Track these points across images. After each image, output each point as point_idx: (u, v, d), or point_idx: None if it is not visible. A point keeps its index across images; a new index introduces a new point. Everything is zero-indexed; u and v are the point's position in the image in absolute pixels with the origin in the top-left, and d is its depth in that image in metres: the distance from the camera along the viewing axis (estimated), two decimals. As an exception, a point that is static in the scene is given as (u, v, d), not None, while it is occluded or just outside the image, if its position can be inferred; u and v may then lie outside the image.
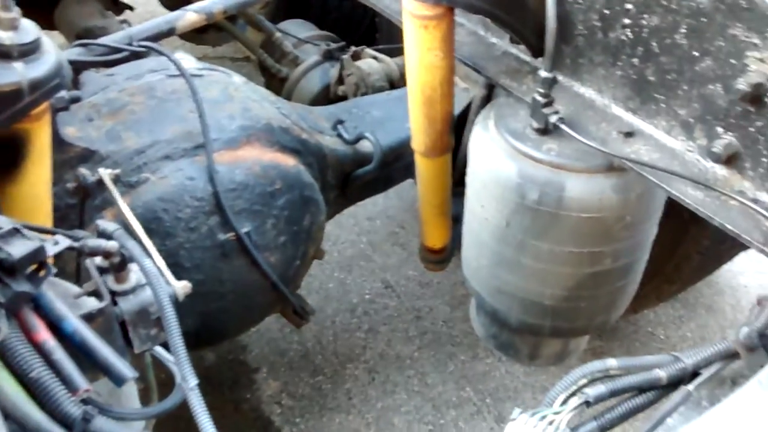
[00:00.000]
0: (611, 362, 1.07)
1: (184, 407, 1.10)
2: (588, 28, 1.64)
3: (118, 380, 0.94)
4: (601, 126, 1.64)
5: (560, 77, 1.74)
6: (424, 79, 1.84)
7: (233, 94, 1.96)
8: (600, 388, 1.03)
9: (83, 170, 1.52)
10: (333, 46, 2.84)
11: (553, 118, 1.64)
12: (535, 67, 1.84)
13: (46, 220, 1.47)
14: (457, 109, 2.16)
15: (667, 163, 1.51)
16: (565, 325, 1.91)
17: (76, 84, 1.92)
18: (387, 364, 2.87)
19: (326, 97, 2.77)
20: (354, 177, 2.25)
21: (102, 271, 1.03)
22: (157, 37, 1.80)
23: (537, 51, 1.79)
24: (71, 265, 1.58)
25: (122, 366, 0.92)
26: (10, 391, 0.84)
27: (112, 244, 0.99)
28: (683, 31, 1.43)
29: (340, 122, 2.26)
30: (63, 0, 2.91)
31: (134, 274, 1.04)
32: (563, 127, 1.62)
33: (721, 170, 1.45)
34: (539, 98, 1.65)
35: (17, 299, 0.88)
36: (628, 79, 1.59)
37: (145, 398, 1.29)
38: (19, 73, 1.22)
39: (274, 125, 1.96)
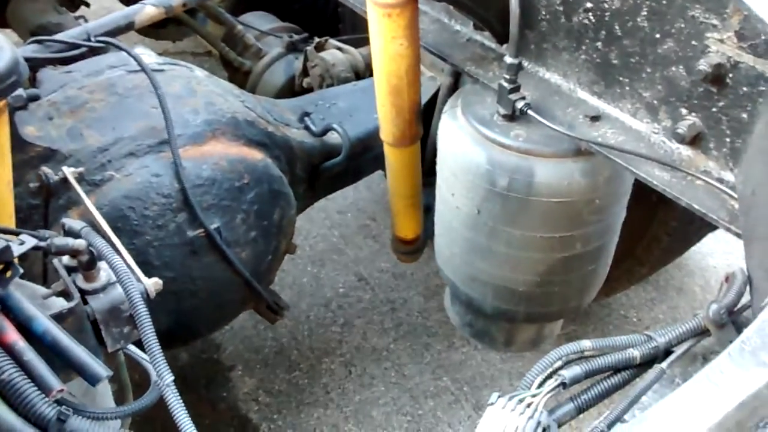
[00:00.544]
0: (585, 344, 1.08)
1: (158, 408, 1.08)
2: (551, 13, 1.64)
3: (93, 379, 0.92)
4: (567, 111, 1.65)
5: (525, 63, 1.75)
6: (390, 68, 1.83)
7: (196, 89, 1.93)
8: (575, 370, 1.04)
9: (46, 169, 1.48)
10: (296, 37, 2.82)
11: (519, 104, 1.64)
12: (501, 53, 1.84)
13: (9, 221, 1.43)
14: (425, 98, 2.15)
15: (634, 145, 1.53)
16: (538, 311, 1.92)
17: (33, 82, 1.87)
18: (363, 357, 2.87)
19: (291, 89, 2.75)
20: (323, 169, 2.23)
21: (70, 270, 1.01)
22: (116, 32, 1.76)
23: (502, 37, 1.80)
24: (37, 267, 1.55)
25: (96, 365, 0.90)
26: (-19, 395, 0.82)
27: (79, 242, 0.97)
28: (644, 13, 1.44)
29: (307, 114, 2.24)
30: (13, -1, 2.83)
31: (104, 272, 1.02)
32: (530, 112, 1.62)
33: (686, 151, 1.47)
34: (505, 84, 1.65)
35: (-20, 303, 0.86)
36: (593, 63, 1.60)
37: (119, 398, 1.27)
38: (-26, 71, 1.19)
39: (239, 119, 1.93)
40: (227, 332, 2.94)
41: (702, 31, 1.35)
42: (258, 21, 2.98)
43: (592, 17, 1.56)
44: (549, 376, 1.02)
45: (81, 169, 1.53)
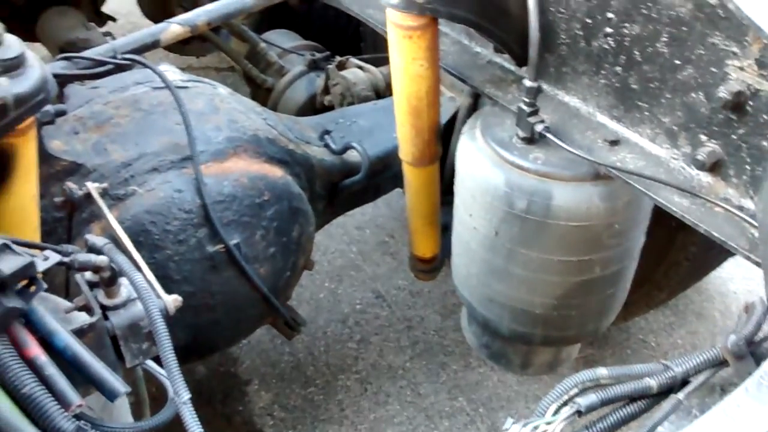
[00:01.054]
0: (602, 371, 1.08)
1: (174, 423, 1.10)
2: (571, 37, 1.65)
3: (111, 395, 0.94)
4: (586, 134, 1.65)
5: (545, 86, 1.76)
6: (410, 89, 1.85)
7: (219, 106, 1.96)
8: (591, 398, 1.03)
9: (70, 184, 1.51)
10: (318, 55, 2.84)
11: (538, 127, 1.65)
12: (520, 76, 1.85)
13: (34, 234, 1.46)
14: (444, 118, 2.17)
15: (653, 171, 1.53)
16: (555, 334, 1.91)
17: (61, 97, 1.92)
18: (379, 375, 2.86)
19: (312, 107, 2.77)
20: (342, 187, 2.25)
21: (92, 285, 1.03)
22: (141, 49, 1.80)
23: (521, 60, 1.81)
24: (60, 280, 1.57)
25: (114, 380, 0.92)
26: (3, 407, 0.84)
27: (101, 259, 0.99)
28: (664, 39, 1.45)
29: (327, 132, 2.26)
30: (45, 12, 2.89)
31: (125, 288, 1.03)
32: (549, 135, 1.63)
33: (705, 177, 1.47)
34: (524, 107, 1.66)
35: (8, 315, 0.88)
36: (612, 88, 1.61)
37: (137, 412, 1.29)
38: (4, 88, 1.22)
39: (261, 136, 1.96)
40: (244, 346, 2.96)
41: (722, 58, 1.35)
42: (280, 39, 3.02)
43: (612, 42, 1.56)
44: (564, 404, 1.02)
45: (105, 184, 1.56)
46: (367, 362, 2.92)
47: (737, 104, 1.34)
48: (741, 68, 1.32)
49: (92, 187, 1.49)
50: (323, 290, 3.22)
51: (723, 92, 1.34)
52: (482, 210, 1.77)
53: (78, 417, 0.89)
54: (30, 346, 0.89)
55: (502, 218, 1.72)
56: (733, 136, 1.39)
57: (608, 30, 1.56)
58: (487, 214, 1.76)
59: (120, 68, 1.73)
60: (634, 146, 1.59)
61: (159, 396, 1.18)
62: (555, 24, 1.67)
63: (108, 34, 2.68)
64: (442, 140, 2.04)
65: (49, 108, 1.56)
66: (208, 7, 1.92)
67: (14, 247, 0.89)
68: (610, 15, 1.55)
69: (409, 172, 2.10)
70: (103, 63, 1.69)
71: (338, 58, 2.73)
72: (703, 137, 1.45)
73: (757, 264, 1.30)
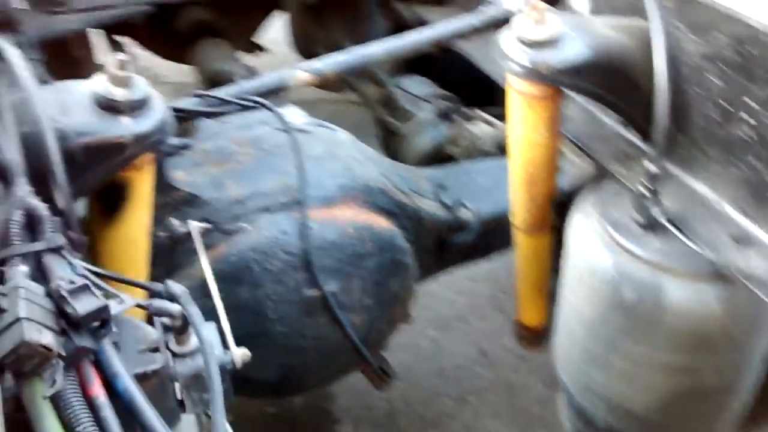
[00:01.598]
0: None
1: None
2: (706, 120, 1.53)
3: (156, 443, 0.95)
4: (711, 227, 1.51)
5: (670, 166, 1.64)
6: (527, 155, 1.80)
7: (336, 152, 1.99)
8: None
9: (174, 220, 1.58)
10: (448, 105, 2.83)
11: (657, 215, 1.54)
12: (647, 153, 1.74)
13: (142, 260, 1.54)
14: (565, 185, 2.09)
15: (784, 278, 1.37)
16: (655, 436, 1.76)
17: (190, 130, 2.04)
18: (472, 438, 2.77)
19: (436, 156, 2.76)
20: (451, 243, 2.21)
21: (167, 328, 1.06)
22: (268, 92, 1.87)
23: (648, 137, 1.70)
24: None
25: (161, 429, 0.93)
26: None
27: (175, 308, 1.02)
28: (812, 138, 1.30)
29: (442, 187, 2.23)
30: (201, 40, 3.10)
31: (195, 337, 1.06)
32: (668, 225, 1.51)
33: None
34: (644, 191, 1.55)
35: (78, 353, 0.92)
36: (746, 181, 1.46)
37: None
38: (126, 127, 1.30)
39: (373, 186, 1.96)
40: (342, 383, 2.95)
41: None
42: (414, 85, 3.03)
43: (752, 133, 1.43)
44: None
45: (208, 225, 1.62)
46: (462, 422, 2.82)
47: None
48: None
49: (194, 226, 1.55)
50: (426, 339, 3.17)
51: None
52: (587, 292, 1.67)
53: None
54: (93, 385, 0.92)
55: (606, 305, 1.61)
56: None
57: (749, 119, 1.43)
58: (591, 297, 1.66)
59: (244, 109, 1.80)
60: (763, 247, 1.44)
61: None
62: (688, 103, 1.56)
63: (251, 69, 2.83)
64: (560, 209, 1.95)
65: (174, 141, 1.66)
66: (338, 57, 1.97)
67: (93, 288, 0.93)
68: (752, 104, 1.42)
69: (520, 238, 2.04)
70: (228, 103, 1.77)
71: (467, 111, 2.71)
72: None
73: None
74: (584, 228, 1.69)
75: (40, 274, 0.99)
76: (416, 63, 3.30)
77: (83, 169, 1.29)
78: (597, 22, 1.75)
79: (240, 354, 1.11)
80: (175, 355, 1.04)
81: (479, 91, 3.23)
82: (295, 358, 1.91)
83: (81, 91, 1.34)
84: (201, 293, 1.77)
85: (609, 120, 1.90)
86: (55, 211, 1.10)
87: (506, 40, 1.66)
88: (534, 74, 1.61)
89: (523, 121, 1.74)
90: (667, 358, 1.56)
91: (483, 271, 3.50)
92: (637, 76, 1.62)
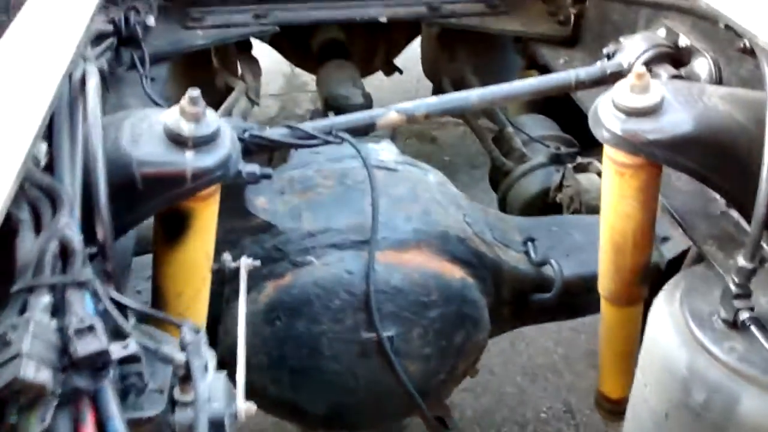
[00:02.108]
0: None
1: None
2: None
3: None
4: (805, 340, 1.32)
5: (770, 265, 1.45)
6: (615, 224, 1.67)
7: (420, 194, 1.95)
8: None
9: (226, 255, 1.61)
10: (563, 150, 2.69)
11: (743, 315, 1.36)
12: (751, 239, 1.55)
13: (201, 284, 1.57)
14: (669, 256, 1.93)
15: None
16: None
17: (285, 157, 2.08)
18: (542, 500, 2.63)
19: (543, 201, 2.64)
20: (531, 300, 2.10)
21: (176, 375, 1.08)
22: (357, 129, 1.86)
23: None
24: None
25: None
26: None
27: (179, 357, 1.03)
28: None
29: (532, 240, 2.12)
30: (328, 62, 3.16)
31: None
32: (753, 329, 1.34)
33: None
34: (733, 287, 1.39)
35: (73, 393, 0.95)
36: None
37: None
38: (187, 161, 1.34)
39: (450, 234, 1.90)
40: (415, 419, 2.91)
41: None
42: (532, 124, 2.91)
43: None
44: None
45: (257, 262, 1.63)
46: (533, 479, 2.70)
47: None
48: None
49: (244, 263, 1.57)
50: (512, 385, 3.05)
51: None
52: (658, 384, 1.52)
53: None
54: (86, 425, 0.95)
55: (675, 402, 1.45)
56: None
57: None
58: (660, 390, 1.50)
59: (326, 143, 1.81)
60: None
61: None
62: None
63: (367, 96, 2.84)
64: (656, 281, 1.80)
65: (255, 170, 1.69)
66: (430, 100, 1.92)
67: (98, 331, 0.96)
68: None
69: (605, 307, 1.90)
70: (313, 137, 1.78)
71: (580, 159, 2.56)
72: None
73: None
74: (664, 314, 1.53)
75: (62, 307, 1.03)
76: (542, 102, 3.18)
77: (143, 198, 1.34)
78: (711, 91, 1.59)
79: (245, 408, 1.11)
80: (176, 403, 1.06)
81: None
82: (346, 398, 1.90)
83: (156, 121, 1.39)
84: (263, 318, 1.80)
85: (720, 198, 1.72)
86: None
87: (603, 103, 1.55)
88: (625, 144, 1.49)
89: (612, 188, 1.62)
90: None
91: (588, 322, 3.31)
92: (743, 156, 1.45)
